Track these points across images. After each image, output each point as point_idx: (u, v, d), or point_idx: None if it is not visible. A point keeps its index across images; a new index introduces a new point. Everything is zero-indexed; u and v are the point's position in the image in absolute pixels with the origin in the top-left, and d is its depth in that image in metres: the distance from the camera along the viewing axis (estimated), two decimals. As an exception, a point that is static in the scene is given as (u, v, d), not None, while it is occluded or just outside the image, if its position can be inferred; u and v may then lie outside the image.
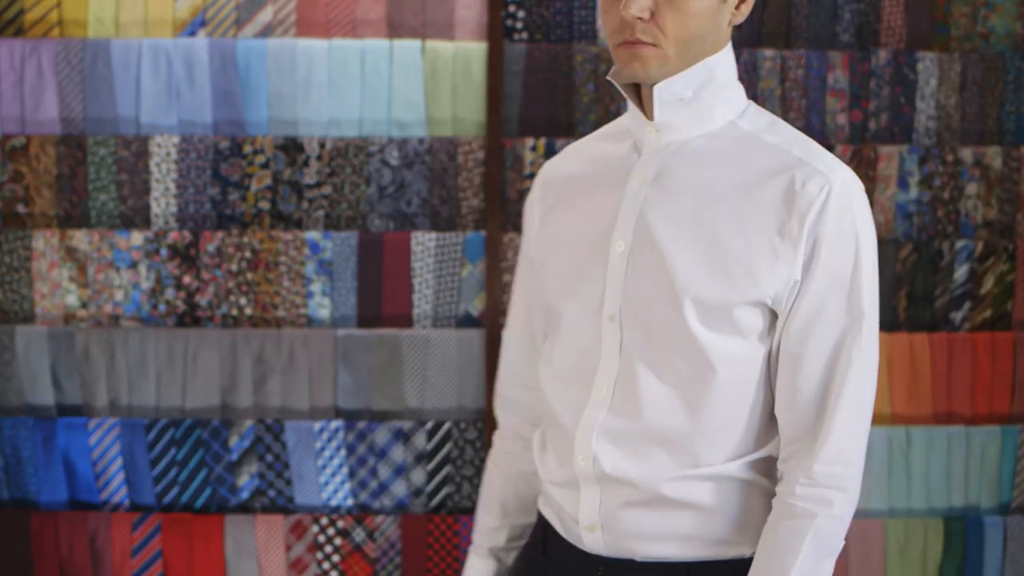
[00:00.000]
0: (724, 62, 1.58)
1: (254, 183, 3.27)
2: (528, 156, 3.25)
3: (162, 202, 3.27)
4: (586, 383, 1.59)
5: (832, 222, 1.50)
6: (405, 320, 3.28)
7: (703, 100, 1.57)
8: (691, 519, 1.57)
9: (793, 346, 1.53)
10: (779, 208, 1.51)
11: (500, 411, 1.84)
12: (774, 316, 1.54)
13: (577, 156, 1.72)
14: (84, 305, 3.25)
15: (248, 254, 3.24)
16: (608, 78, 1.58)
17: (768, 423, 1.58)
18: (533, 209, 1.73)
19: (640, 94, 1.61)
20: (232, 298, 3.26)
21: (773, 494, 1.59)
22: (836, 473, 1.53)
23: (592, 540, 1.61)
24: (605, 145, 1.68)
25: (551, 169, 1.74)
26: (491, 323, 3.22)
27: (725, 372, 1.54)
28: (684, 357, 1.53)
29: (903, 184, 3.31)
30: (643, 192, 1.57)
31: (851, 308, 1.51)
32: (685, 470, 1.56)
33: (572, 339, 1.61)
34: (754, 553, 1.59)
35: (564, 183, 1.69)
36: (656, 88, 1.54)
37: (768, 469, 1.59)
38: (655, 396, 1.55)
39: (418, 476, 3.26)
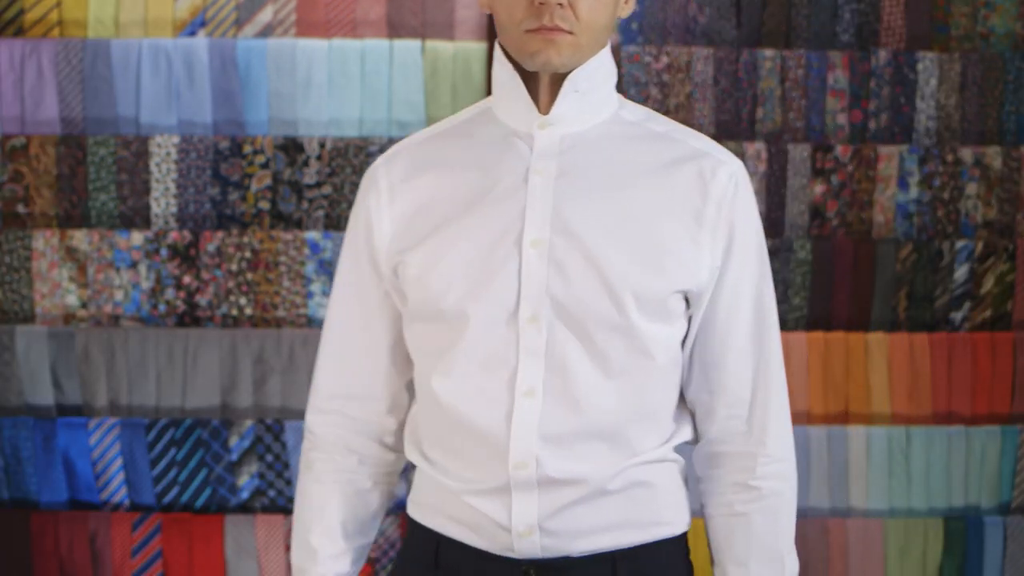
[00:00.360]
0: (609, 55, 1.60)
1: (254, 183, 3.27)
2: (528, 156, 3.25)
3: (162, 202, 3.27)
4: (504, 387, 1.53)
5: (742, 208, 1.57)
6: (405, 320, 3.28)
7: (597, 92, 1.57)
8: (631, 507, 1.58)
9: (721, 329, 1.58)
10: (693, 197, 1.55)
11: (322, 426, 1.69)
12: (687, 300, 1.58)
13: (428, 156, 1.63)
14: (84, 305, 3.25)
15: (248, 254, 3.24)
16: (509, 69, 1.56)
17: (680, 405, 1.63)
18: (381, 214, 1.61)
19: (528, 86, 1.58)
20: (232, 298, 3.26)
21: (684, 471, 1.65)
22: (785, 445, 1.62)
23: (527, 544, 1.56)
24: (473, 142, 1.61)
25: (396, 171, 1.63)
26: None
27: (661, 358, 1.56)
28: (624, 349, 1.53)
29: (903, 184, 3.31)
30: (550, 187, 1.54)
31: (763, 286, 1.59)
32: (627, 460, 1.56)
33: (480, 344, 1.54)
34: (682, 531, 1.63)
35: (423, 184, 1.60)
36: (569, 77, 1.54)
37: (680, 449, 1.64)
38: (595, 391, 1.53)
39: (418, 476, 3.26)
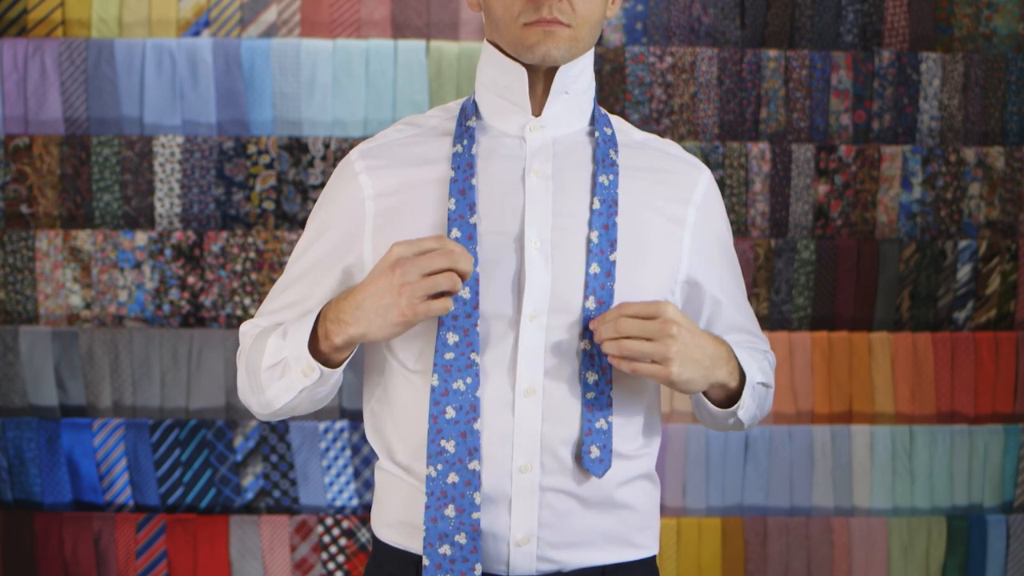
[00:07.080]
0: (592, 62, 1.62)
1: (258, 183, 3.27)
2: (533, 156, 3.26)
3: (166, 202, 3.26)
4: (501, 387, 1.51)
5: (717, 208, 1.66)
6: (410, 320, 3.28)
7: (584, 96, 1.61)
8: (620, 523, 1.57)
9: (725, 316, 1.66)
10: (675, 200, 1.61)
11: (255, 328, 1.63)
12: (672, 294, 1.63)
13: (410, 152, 1.60)
14: (88, 306, 3.24)
15: (252, 254, 3.24)
16: (514, 68, 1.55)
17: (654, 408, 1.64)
18: (364, 211, 1.57)
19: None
20: (236, 298, 3.25)
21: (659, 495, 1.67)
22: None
23: (522, 556, 1.52)
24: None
25: (380, 173, 1.58)
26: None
27: None
28: None
29: (906, 184, 3.32)
30: (548, 188, 1.55)
31: (736, 274, 1.70)
32: (622, 466, 1.55)
33: (481, 342, 1.51)
34: (655, 553, 1.64)
35: (407, 178, 1.57)
36: (558, 74, 1.55)
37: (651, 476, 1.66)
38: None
39: (423, 476, 3.26)
